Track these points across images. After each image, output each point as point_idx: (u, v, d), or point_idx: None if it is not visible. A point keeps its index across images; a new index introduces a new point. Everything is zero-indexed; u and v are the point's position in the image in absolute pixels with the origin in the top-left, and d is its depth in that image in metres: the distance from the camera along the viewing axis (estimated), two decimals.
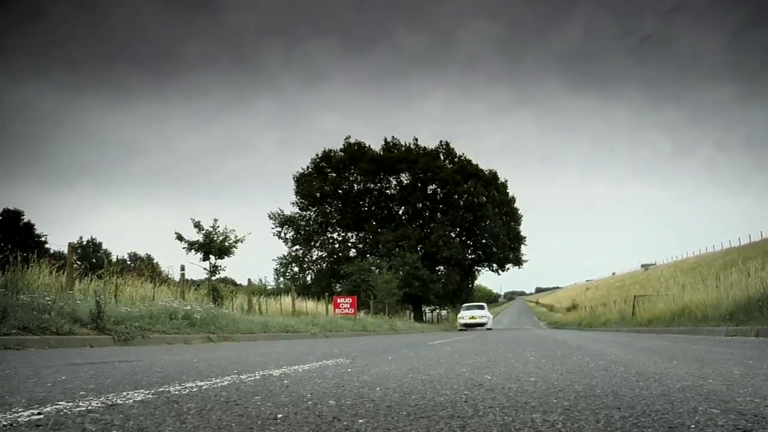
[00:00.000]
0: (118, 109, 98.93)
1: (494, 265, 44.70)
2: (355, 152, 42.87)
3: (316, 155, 43.60)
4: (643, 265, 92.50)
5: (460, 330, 25.26)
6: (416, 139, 43.91)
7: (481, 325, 27.32)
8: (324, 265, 41.88)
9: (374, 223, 42.51)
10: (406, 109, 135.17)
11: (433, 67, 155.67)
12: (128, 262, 44.89)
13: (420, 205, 42.88)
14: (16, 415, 1.46)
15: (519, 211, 45.18)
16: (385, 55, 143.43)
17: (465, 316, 28.51)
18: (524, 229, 45.88)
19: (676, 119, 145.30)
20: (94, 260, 40.59)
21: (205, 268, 13.80)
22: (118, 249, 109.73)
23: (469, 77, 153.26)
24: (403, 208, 42.90)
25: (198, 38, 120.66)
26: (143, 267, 16.36)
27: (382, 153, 43.06)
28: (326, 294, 25.02)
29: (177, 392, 1.91)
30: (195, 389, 1.99)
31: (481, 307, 29.91)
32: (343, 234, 43.68)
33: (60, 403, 1.66)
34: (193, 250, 13.64)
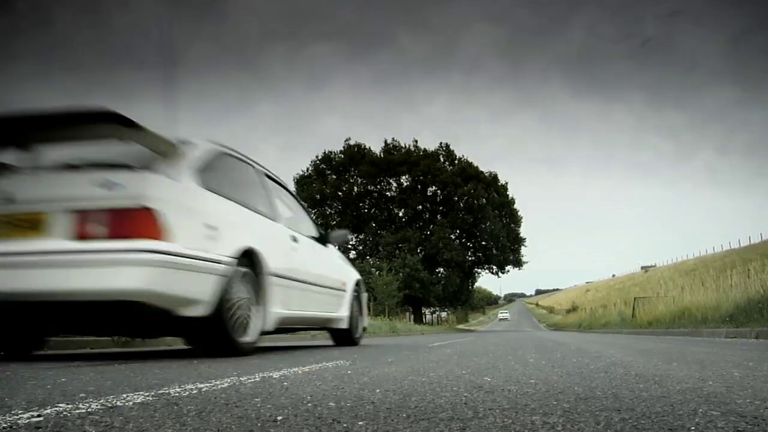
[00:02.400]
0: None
1: (494, 267, 44.68)
2: (355, 154, 42.92)
3: (316, 157, 43.70)
4: (642, 267, 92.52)
5: (500, 321, 66.93)
6: (416, 141, 44.01)
7: (507, 319, 70.49)
8: None
9: (374, 225, 42.53)
10: (409, 113, 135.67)
11: (436, 71, 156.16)
12: None
13: (420, 207, 42.88)
14: (15, 417, 1.46)
15: (519, 213, 45.21)
16: (389, 59, 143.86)
17: (501, 314, 73.31)
18: (524, 231, 46.04)
19: (677, 122, 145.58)
20: None
21: None
22: None
23: (472, 81, 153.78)
24: (403, 210, 42.91)
25: (202, 43, 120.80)
26: None
27: (382, 155, 43.09)
28: None
29: (177, 394, 1.91)
30: (195, 391, 1.99)
31: (506, 311, 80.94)
32: None
33: (60, 405, 1.66)
34: None
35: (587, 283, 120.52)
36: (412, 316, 40.32)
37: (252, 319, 3.81)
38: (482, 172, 43.04)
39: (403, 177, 42.84)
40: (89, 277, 2.97)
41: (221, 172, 3.87)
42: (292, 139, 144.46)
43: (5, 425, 1.36)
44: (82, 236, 3.04)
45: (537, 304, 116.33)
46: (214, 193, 3.64)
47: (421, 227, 42.14)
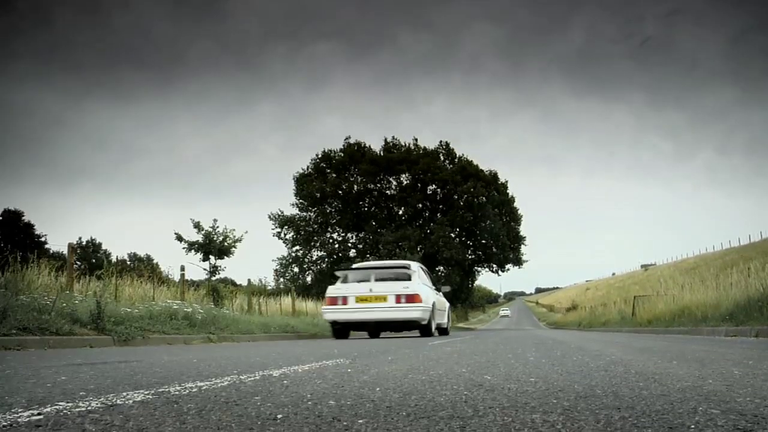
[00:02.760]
0: (122, 112, 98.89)
1: (494, 265, 44.58)
2: (355, 153, 42.82)
3: (316, 155, 43.54)
4: (642, 266, 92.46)
5: (501, 317, 79.02)
6: (416, 139, 43.84)
7: (508, 316, 79.76)
8: (324, 265, 41.79)
9: (374, 223, 42.44)
10: (409, 112, 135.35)
11: (436, 70, 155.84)
12: (128, 263, 44.83)
13: (420, 205, 42.80)
14: (15, 415, 1.46)
15: (519, 211, 45.13)
16: (389, 58, 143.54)
17: (502, 312, 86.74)
18: (525, 230, 45.84)
19: (677, 122, 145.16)
20: (93, 260, 40.58)
21: (204, 269, 13.82)
22: (118, 249, 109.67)
23: (472, 80, 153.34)
24: (403, 208, 42.80)
25: (202, 42, 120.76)
26: (143, 267, 16.34)
27: (382, 153, 42.98)
28: None
29: (177, 392, 1.91)
30: (195, 389, 1.99)
31: (507, 309, 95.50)
32: (343, 234, 43.63)
33: (60, 403, 1.66)
34: (192, 251, 13.64)
35: (587, 281, 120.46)
36: None
37: (433, 325, 10.61)
38: (482, 171, 42.92)
39: (403, 175, 42.74)
40: (403, 314, 10.15)
41: (420, 274, 11.24)
42: (292, 138, 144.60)
43: (6, 423, 1.36)
44: (398, 302, 10.11)
45: (537, 303, 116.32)
46: (424, 284, 10.90)
47: (421, 226, 42.06)
